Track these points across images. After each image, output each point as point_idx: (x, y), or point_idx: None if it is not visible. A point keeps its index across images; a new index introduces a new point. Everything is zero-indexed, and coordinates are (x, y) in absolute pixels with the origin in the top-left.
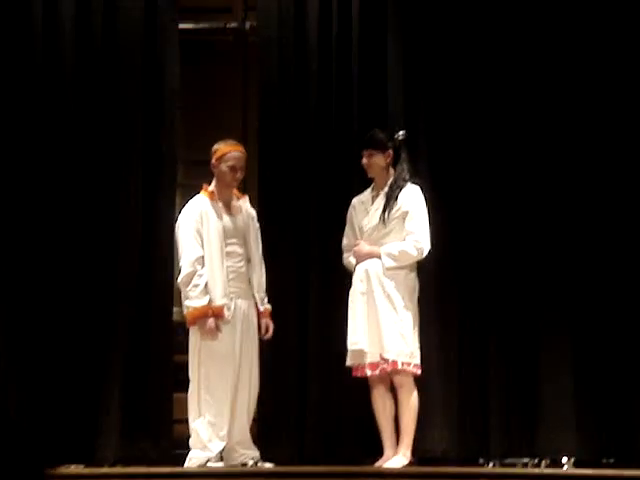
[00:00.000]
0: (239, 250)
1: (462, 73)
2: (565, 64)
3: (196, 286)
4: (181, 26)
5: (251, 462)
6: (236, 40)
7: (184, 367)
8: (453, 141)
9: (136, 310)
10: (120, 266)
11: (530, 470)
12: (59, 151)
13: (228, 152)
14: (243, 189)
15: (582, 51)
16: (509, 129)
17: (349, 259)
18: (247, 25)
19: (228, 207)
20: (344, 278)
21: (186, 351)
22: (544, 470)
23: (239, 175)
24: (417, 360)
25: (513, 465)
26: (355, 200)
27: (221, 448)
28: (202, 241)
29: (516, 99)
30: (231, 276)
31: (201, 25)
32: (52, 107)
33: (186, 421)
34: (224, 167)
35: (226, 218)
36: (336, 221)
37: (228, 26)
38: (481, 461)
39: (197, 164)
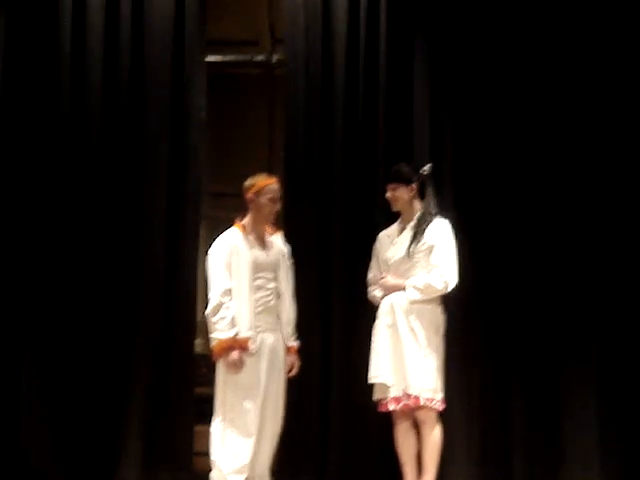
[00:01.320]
0: (269, 285)
1: (490, 107)
2: (605, 89)
3: (223, 318)
4: (208, 59)
5: None
6: (263, 73)
7: (206, 400)
8: (479, 176)
9: (159, 342)
10: (144, 298)
11: None
12: (83, 180)
13: (266, 185)
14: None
15: (623, 71)
16: (538, 166)
17: (374, 292)
18: (274, 58)
19: (261, 241)
20: (368, 312)
21: (208, 384)
22: None
23: (278, 207)
24: (440, 396)
25: None
26: (381, 234)
27: None
28: (231, 274)
29: (546, 135)
30: (259, 309)
31: (228, 57)
32: (78, 138)
33: (207, 454)
34: (264, 200)
35: (257, 251)
36: (361, 255)
37: (255, 59)
38: None
39: (222, 196)
